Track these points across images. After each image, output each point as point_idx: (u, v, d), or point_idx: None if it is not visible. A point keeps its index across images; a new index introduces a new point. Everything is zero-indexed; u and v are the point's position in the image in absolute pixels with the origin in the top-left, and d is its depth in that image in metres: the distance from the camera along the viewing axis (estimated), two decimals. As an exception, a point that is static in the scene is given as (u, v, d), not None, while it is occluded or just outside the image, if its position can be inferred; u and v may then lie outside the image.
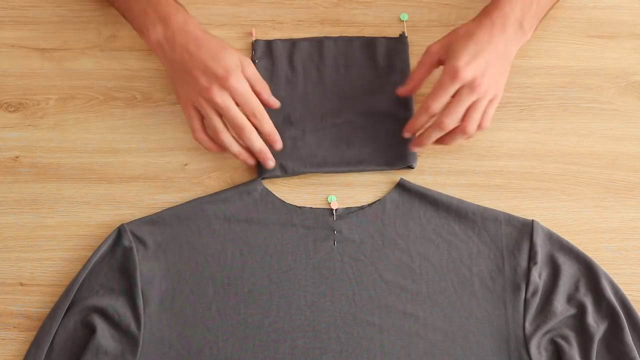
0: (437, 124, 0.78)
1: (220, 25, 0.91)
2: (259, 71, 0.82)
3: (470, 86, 0.76)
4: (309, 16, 0.92)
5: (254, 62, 0.88)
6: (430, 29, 0.90)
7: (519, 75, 0.89)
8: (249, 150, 0.81)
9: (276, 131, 0.81)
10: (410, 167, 0.84)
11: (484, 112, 0.79)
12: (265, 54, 0.89)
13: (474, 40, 0.78)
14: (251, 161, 0.82)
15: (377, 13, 0.92)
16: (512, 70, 0.88)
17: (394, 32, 0.91)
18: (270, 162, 0.81)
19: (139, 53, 0.90)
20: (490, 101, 0.79)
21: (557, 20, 0.91)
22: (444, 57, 0.79)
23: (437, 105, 0.78)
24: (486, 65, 0.77)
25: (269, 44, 0.89)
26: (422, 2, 0.92)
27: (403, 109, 0.85)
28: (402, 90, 0.83)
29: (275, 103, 0.83)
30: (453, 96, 0.78)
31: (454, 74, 0.76)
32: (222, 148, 0.81)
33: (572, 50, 0.90)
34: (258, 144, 0.80)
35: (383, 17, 0.92)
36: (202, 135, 0.81)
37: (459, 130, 0.79)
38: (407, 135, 0.83)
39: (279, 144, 0.81)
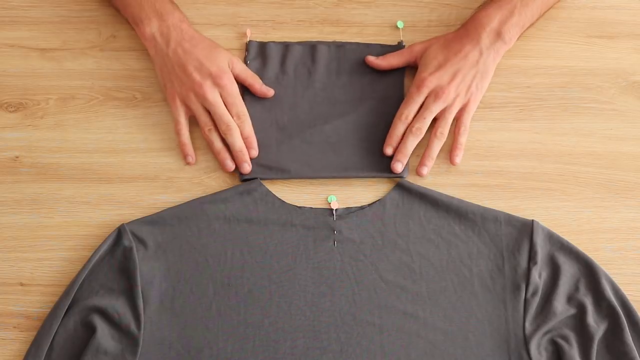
0: (409, 129, 0.82)
1: (220, 25, 0.91)
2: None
3: (435, 94, 0.82)
4: (309, 16, 0.92)
5: (245, 62, 0.88)
6: (430, 29, 0.91)
7: (519, 75, 0.89)
8: (229, 150, 0.83)
9: (255, 137, 0.83)
10: (400, 177, 0.84)
11: (459, 119, 0.84)
12: (258, 55, 0.89)
13: (445, 50, 0.84)
14: (230, 164, 0.83)
15: (377, 13, 0.92)
16: (512, 70, 0.89)
17: (393, 33, 0.91)
18: (247, 166, 0.83)
19: (139, 53, 0.90)
20: (463, 109, 0.83)
21: (557, 20, 0.91)
22: (418, 61, 0.85)
23: (408, 112, 0.82)
24: (453, 75, 0.82)
25: (263, 45, 0.89)
26: (422, 2, 0.92)
27: (393, 117, 0.85)
28: (370, 58, 0.87)
29: (269, 91, 0.86)
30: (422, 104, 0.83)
31: (419, 84, 0.82)
32: (189, 154, 0.84)
33: (572, 50, 0.90)
34: (239, 144, 0.82)
35: (383, 17, 0.92)
36: (184, 130, 0.84)
37: (432, 135, 0.83)
38: (388, 151, 0.84)
39: (254, 151, 0.83)
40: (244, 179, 0.83)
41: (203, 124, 0.83)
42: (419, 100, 0.83)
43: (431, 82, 0.82)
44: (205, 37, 0.86)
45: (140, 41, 0.89)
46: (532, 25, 0.87)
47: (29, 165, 0.85)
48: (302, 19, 0.92)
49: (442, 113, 0.83)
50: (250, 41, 0.89)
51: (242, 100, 0.84)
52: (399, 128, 0.83)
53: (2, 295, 0.80)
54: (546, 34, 0.91)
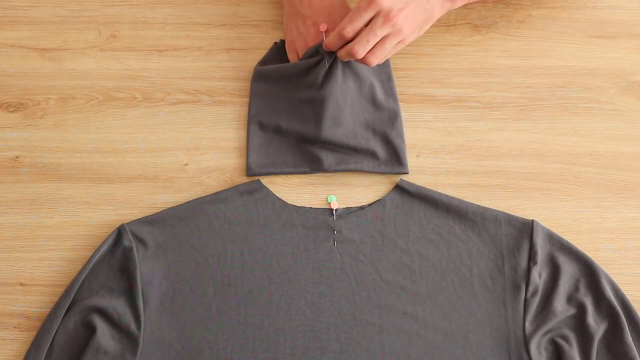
0: (348, 50, 0.77)
1: (220, 25, 0.91)
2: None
3: (385, 16, 0.75)
4: (309, 16, 0.92)
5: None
6: (430, 29, 0.90)
7: (519, 75, 0.89)
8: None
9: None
10: (405, 172, 0.84)
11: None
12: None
13: None
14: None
15: (377, 13, 0.92)
16: (512, 70, 0.89)
17: (394, 32, 0.91)
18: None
19: (139, 53, 0.90)
20: (398, 42, 0.78)
21: (557, 20, 0.91)
22: None
23: (350, 29, 0.76)
24: (407, 4, 0.76)
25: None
26: (422, 2, 0.92)
27: (393, 120, 0.85)
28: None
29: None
30: (367, 25, 0.77)
31: (370, 1, 0.75)
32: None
33: (572, 50, 0.90)
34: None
35: (383, 17, 0.92)
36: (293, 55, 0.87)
37: (359, 61, 0.78)
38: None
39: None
40: (250, 174, 0.83)
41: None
42: (366, 17, 0.76)
43: (385, 2, 0.75)
44: None
45: (140, 41, 0.89)
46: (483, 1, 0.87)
47: (29, 165, 0.85)
48: (302, 19, 0.92)
49: (382, 40, 0.77)
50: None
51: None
52: (335, 42, 0.78)
53: (2, 295, 0.80)
54: (546, 34, 0.91)
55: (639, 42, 0.91)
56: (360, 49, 0.76)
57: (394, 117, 0.85)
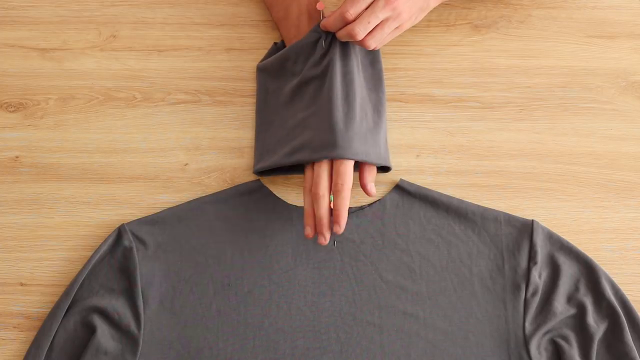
0: (348, 31, 0.77)
1: (220, 25, 0.91)
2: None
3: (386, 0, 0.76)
4: (309, 16, 0.92)
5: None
6: (430, 29, 0.91)
7: (519, 75, 0.89)
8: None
9: (346, 216, 0.76)
10: (387, 169, 0.82)
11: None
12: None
13: None
14: (308, 230, 0.77)
15: (377, 13, 0.92)
16: (512, 70, 0.89)
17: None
18: (323, 240, 0.76)
19: (139, 53, 0.90)
20: (396, 28, 0.79)
21: (557, 20, 0.91)
22: None
23: (353, 11, 0.77)
24: None
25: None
26: (422, 2, 0.92)
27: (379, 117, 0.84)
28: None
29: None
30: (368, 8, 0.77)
31: None
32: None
33: (572, 50, 0.90)
34: (323, 211, 0.76)
35: (383, 17, 0.91)
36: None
37: (358, 43, 0.79)
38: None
39: (340, 229, 0.76)
40: (256, 170, 0.82)
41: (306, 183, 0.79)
42: (367, 0, 0.77)
43: None
44: None
45: (140, 41, 0.89)
46: None
47: (29, 165, 0.85)
48: (302, 19, 0.92)
49: (381, 23, 0.78)
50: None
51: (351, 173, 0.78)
52: (336, 23, 0.78)
53: (2, 295, 0.80)
54: (546, 34, 0.91)
55: (639, 42, 0.91)
56: (361, 30, 0.77)
57: (380, 107, 0.84)
